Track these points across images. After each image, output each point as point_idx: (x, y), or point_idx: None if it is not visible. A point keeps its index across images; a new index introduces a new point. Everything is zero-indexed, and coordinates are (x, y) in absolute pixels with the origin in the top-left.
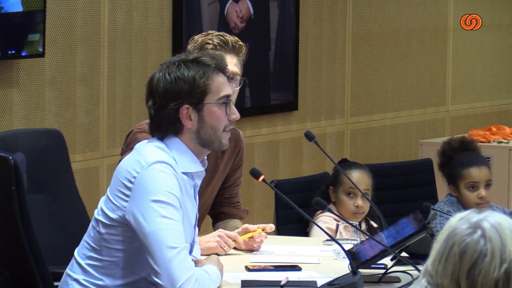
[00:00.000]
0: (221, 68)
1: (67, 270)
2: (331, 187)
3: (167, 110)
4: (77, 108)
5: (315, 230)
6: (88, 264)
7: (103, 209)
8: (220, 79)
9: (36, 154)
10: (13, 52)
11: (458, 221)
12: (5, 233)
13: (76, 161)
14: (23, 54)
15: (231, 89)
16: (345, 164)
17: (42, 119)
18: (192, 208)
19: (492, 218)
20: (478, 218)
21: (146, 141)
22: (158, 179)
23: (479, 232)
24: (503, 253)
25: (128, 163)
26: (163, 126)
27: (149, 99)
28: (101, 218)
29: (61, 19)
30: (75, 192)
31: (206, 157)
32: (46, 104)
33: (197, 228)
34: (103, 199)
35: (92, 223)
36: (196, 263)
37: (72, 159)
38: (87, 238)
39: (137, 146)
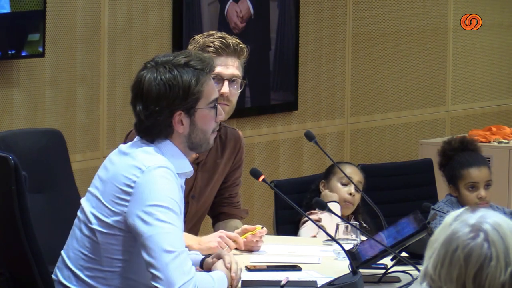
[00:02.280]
0: (211, 71)
1: (62, 281)
2: (323, 181)
3: (160, 117)
4: (77, 108)
5: (302, 231)
6: (88, 276)
7: (99, 216)
8: (211, 83)
9: (36, 154)
10: (13, 52)
11: (456, 221)
12: (5, 233)
13: (76, 161)
14: (23, 54)
15: (217, 92)
16: (337, 162)
17: (42, 119)
18: (183, 208)
19: (490, 219)
20: (476, 220)
21: (131, 143)
22: (159, 184)
23: (481, 236)
24: (507, 256)
25: (124, 168)
26: (154, 131)
27: (138, 103)
28: (97, 227)
29: (61, 19)
30: (75, 192)
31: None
32: (46, 104)
33: None
34: (88, 204)
35: (85, 232)
36: (210, 265)
37: (72, 159)
38: (81, 248)
39: (127, 150)
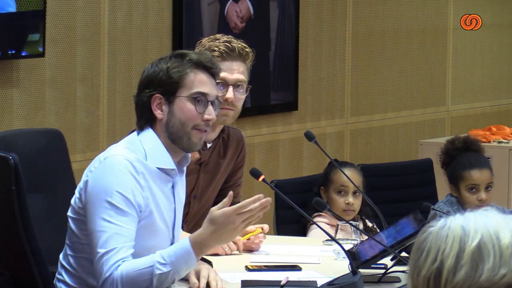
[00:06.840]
0: (202, 65)
1: (56, 274)
2: (322, 187)
3: (140, 97)
4: (77, 108)
5: (312, 232)
6: (69, 264)
7: (72, 203)
8: (200, 76)
9: (36, 154)
10: (13, 52)
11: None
12: (5, 233)
13: (76, 161)
14: (23, 54)
15: (209, 89)
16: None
17: (42, 119)
18: (168, 207)
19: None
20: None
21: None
22: (110, 177)
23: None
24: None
25: (94, 159)
26: (138, 113)
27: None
28: (71, 214)
29: (61, 19)
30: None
31: (190, 155)
32: (46, 104)
33: (180, 230)
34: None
35: (69, 221)
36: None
37: (72, 159)
38: (66, 238)
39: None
